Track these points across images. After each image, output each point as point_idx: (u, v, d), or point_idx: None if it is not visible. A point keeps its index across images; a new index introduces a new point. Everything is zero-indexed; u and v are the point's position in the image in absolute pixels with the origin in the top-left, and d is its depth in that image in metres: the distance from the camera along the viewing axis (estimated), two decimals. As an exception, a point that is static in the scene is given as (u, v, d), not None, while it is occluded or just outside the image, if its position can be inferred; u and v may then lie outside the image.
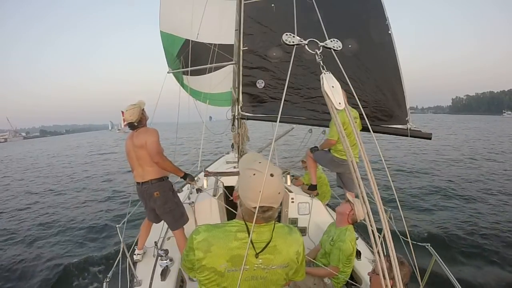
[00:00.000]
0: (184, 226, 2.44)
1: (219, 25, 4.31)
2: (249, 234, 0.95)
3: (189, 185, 3.54)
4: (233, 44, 3.36)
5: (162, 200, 2.32)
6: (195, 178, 2.79)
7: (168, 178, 2.44)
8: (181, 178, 2.58)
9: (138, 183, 2.36)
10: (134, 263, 2.40)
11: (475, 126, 38.59)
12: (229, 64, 3.82)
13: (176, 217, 2.39)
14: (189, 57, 4.46)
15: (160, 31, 4.88)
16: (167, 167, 2.39)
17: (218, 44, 4.54)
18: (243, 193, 0.94)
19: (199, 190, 3.20)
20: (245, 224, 0.96)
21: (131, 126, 2.32)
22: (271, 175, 0.91)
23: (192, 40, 4.38)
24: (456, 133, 26.98)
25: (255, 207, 0.89)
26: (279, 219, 2.97)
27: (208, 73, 4.57)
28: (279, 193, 0.92)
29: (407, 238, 1.32)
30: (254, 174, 0.92)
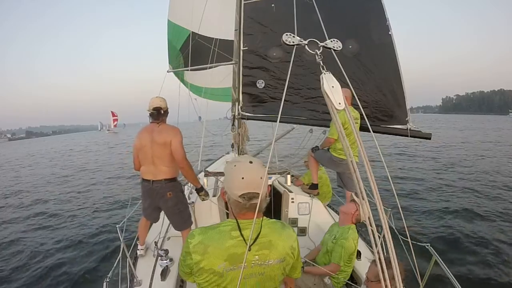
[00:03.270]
0: None
1: (222, 19, 4.23)
2: (239, 228, 0.96)
3: (188, 185, 3.54)
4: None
5: (174, 201, 2.29)
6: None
7: (177, 179, 2.41)
8: (196, 189, 2.56)
9: (147, 180, 2.27)
10: (134, 263, 2.40)
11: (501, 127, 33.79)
12: (229, 64, 3.81)
13: (184, 218, 2.38)
14: (189, 52, 4.34)
15: (168, 20, 4.75)
16: (189, 175, 2.35)
17: (222, 39, 4.45)
18: (228, 185, 0.97)
19: (199, 191, 3.20)
20: (236, 221, 0.98)
21: (157, 112, 2.23)
22: (250, 162, 0.96)
23: (195, 33, 4.27)
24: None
25: (240, 195, 0.92)
26: (278, 219, 2.98)
27: (209, 68, 4.51)
28: (261, 178, 0.94)
29: (407, 238, 1.32)
30: (235, 166, 0.97)
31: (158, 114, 2.24)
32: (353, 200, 2.28)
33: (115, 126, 72.02)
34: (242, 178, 0.93)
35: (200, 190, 2.55)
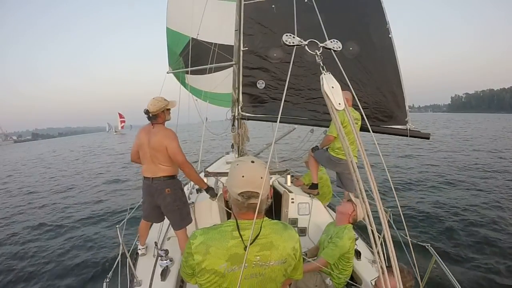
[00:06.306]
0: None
1: (222, 25, 4.31)
2: (238, 228, 0.97)
3: (189, 185, 3.55)
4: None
5: (172, 197, 2.31)
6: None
7: (177, 176, 2.44)
8: (204, 190, 2.62)
9: (147, 178, 2.32)
10: (134, 263, 2.40)
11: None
12: (229, 64, 3.83)
13: (182, 215, 2.39)
14: (189, 56, 4.43)
15: (167, 27, 4.86)
16: (192, 176, 2.39)
17: (221, 44, 4.53)
18: (229, 183, 0.98)
19: (199, 190, 3.20)
20: (236, 221, 0.98)
21: (146, 114, 2.27)
22: (252, 161, 0.97)
23: (194, 39, 4.36)
24: None
25: (239, 193, 0.93)
26: (278, 219, 2.98)
27: (209, 73, 4.57)
28: (261, 177, 0.94)
29: (407, 238, 1.33)
30: (237, 164, 0.99)
31: (147, 115, 2.27)
32: (350, 200, 2.28)
33: (122, 127, 73.02)
34: (242, 176, 0.93)
35: (207, 190, 2.59)
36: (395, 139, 16.29)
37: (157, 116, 2.28)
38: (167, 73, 4.64)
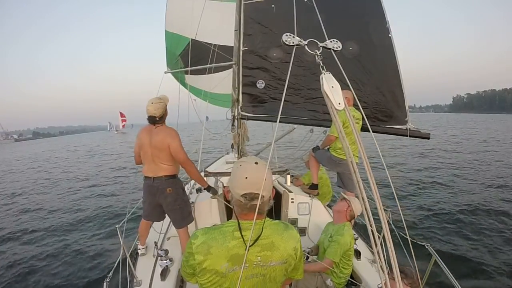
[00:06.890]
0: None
1: (222, 25, 4.32)
2: (240, 229, 0.96)
3: (188, 185, 3.55)
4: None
5: (173, 196, 2.33)
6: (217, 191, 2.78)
7: (178, 176, 2.45)
8: (204, 189, 2.66)
9: (148, 177, 2.34)
10: (134, 263, 2.40)
11: None
12: (229, 64, 3.82)
13: (184, 214, 2.41)
14: (189, 56, 4.44)
15: (166, 30, 4.87)
16: (193, 174, 2.42)
17: (220, 45, 4.54)
18: (232, 183, 0.98)
19: (199, 190, 3.21)
20: (237, 221, 0.98)
21: (152, 120, 2.28)
22: (256, 163, 0.97)
23: (194, 40, 4.39)
24: None
25: (242, 195, 0.93)
26: (278, 219, 2.98)
27: (208, 73, 4.57)
28: (264, 179, 0.93)
29: (407, 238, 1.33)
30: (240, 165, 0.98)
31: (153, 121, 2.29)
32: (344, 198, 2.31)
33: (123, 126, 72.98)
34: (246, 177, 0.93)
35: (208, 189, 2.62)
36: (403, 140, 16.25)
37: (162, 117, 2.31)
38: (165, 72, 4.64)
